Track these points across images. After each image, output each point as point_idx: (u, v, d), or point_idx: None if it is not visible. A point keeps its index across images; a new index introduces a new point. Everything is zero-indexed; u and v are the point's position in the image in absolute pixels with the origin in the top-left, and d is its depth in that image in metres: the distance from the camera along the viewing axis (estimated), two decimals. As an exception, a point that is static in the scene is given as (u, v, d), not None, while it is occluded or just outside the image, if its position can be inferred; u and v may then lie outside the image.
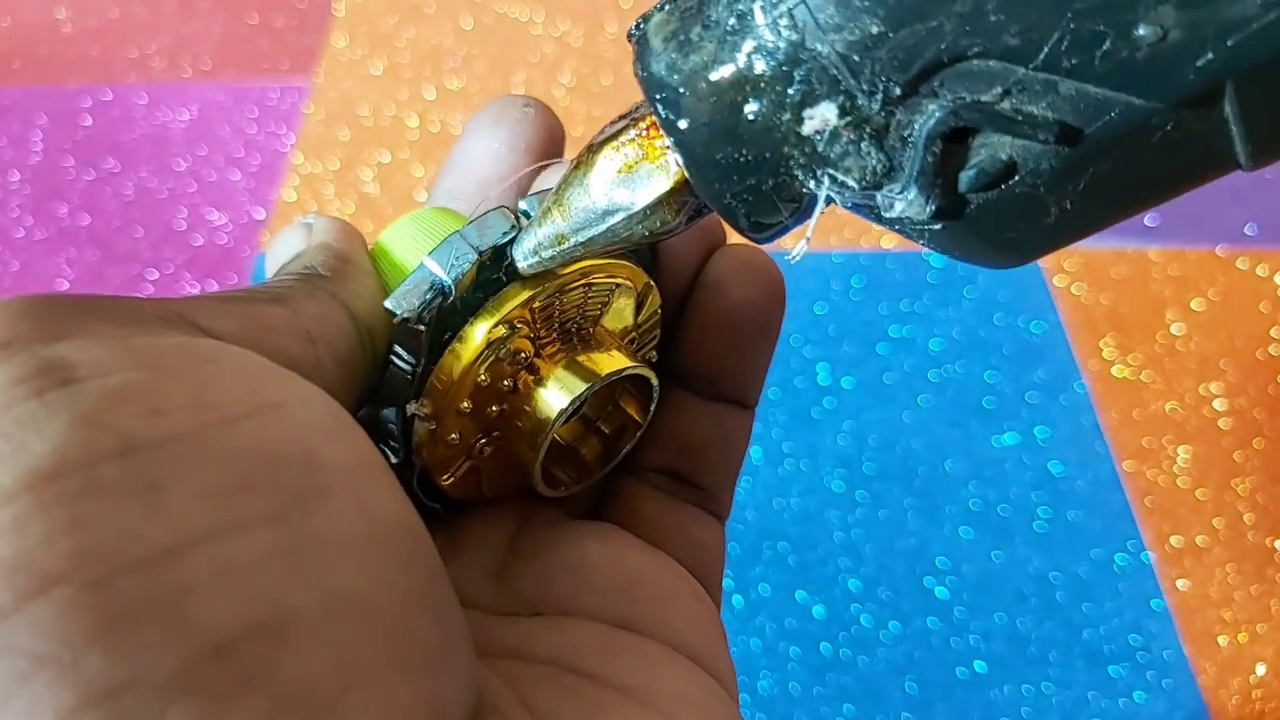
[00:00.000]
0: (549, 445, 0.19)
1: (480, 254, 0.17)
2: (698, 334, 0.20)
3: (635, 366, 0.19)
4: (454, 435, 0.19)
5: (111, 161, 0.81)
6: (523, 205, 0.18)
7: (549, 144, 0.21)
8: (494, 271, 0.18)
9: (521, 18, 0.93)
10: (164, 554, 0.10)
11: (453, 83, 0.87)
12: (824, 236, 0.75)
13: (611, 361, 0.19)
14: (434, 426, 0.18)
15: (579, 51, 0.89)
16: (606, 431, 0.21)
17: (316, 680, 0.11)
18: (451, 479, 0.19)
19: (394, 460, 0.19)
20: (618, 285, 0.19)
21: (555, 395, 0.18)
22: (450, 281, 0.17)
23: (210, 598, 0.10)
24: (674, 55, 0.14)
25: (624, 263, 0.19)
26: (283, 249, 0.19)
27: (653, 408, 0.21)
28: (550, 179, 0.21)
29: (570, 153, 0.21)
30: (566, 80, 0.87)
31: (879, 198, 0.14)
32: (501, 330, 0.18)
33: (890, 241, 0.74)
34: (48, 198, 0.78)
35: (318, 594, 0.11)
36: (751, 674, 0.54)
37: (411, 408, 0.18)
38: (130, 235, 0.75)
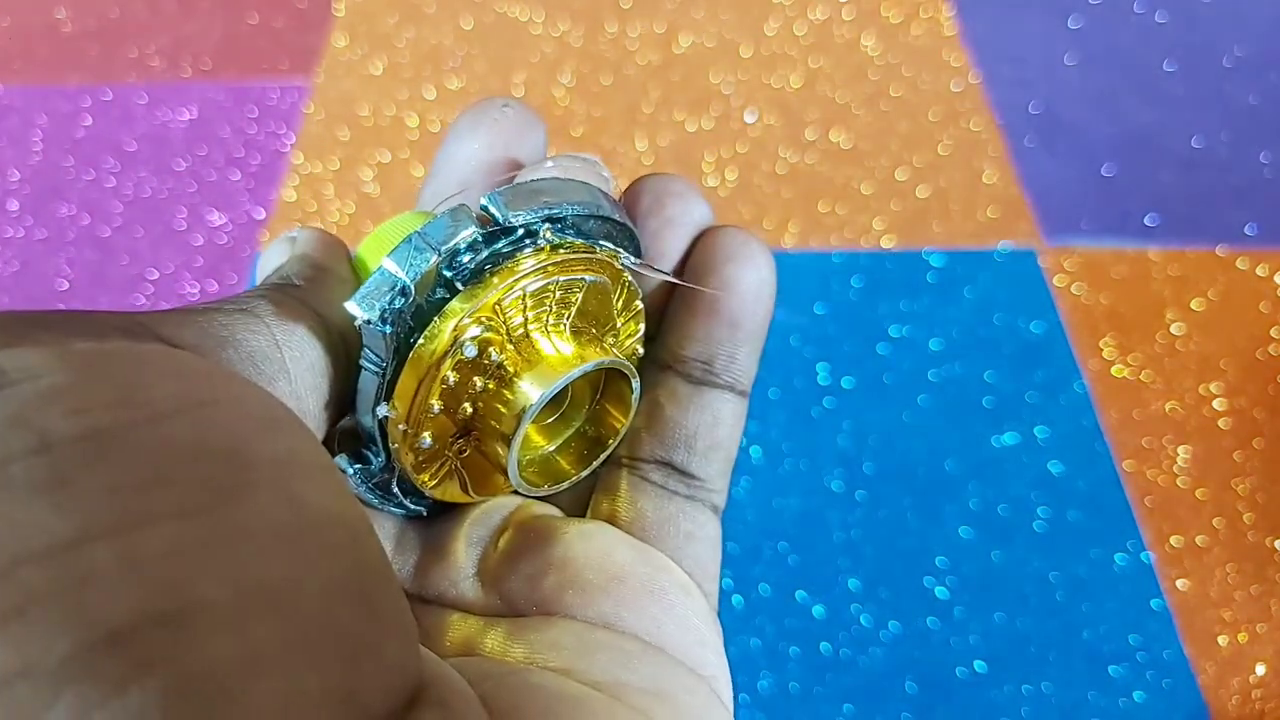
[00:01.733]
0: (533, 448, 0.19)
1: (439, 253, 0.17)
2: (687, 316, 0.20)
3: (610, 361, 0.19)
4: (426, 436, 0.18)
5: (111, 161, 0.81)
6: (483, 201, 0.18)
7: (527, 142, 0.21)
8: (455, 270, 0.18)
9: (521, 18, 0.93)
10: (65, 546, 0.11)
11: (453, 83, 0.87)
12: (824, 236, 0.75)
13: (585, 356, 0.19)
14: (405, 428, 0.18)
15: (579, 51, 0.89)
16: (589, 432, 0.21)
17: (217, 668, 0.11)
18: (434, 481, 0.19)
19: (376, 464, 0.19)
20: (593, 279, 0.19)
21: (527, 390, 0.18)
22: (409, 281, 0.17)
23: (110, 588, 0.11)
24: None
25: (599, 255, 0.19)
26: (267, 263, 0.19)
27: (634, 402, 0.20)
28: (528, 176, 0.20)
29: (555, 149, 0.21)
30: (566, 80, 0.87)
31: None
32: (469, 327, 0.17)
33: (890, 241, 0.74)
34: (48, 198, 0.78)
35: (228, 585, 0.11)
36: (751, 674, 0.54)
37: (382, 410, 0.18)
38: (130, 235, 0.75)
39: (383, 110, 0.84)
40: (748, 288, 0.20)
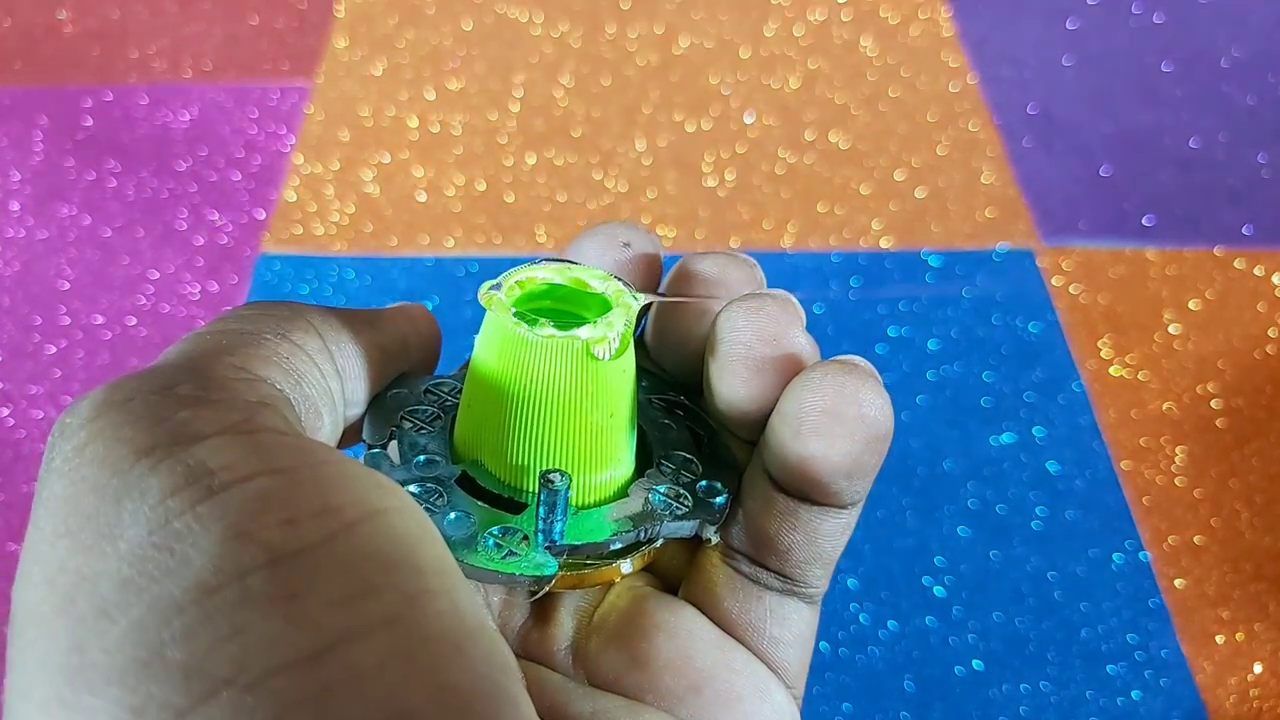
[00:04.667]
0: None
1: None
2: (790, 438, 0.19)
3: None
4: None
5: (112, 162, 0.81)
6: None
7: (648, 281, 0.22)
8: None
9: (521, 18, 0.93)
10: (306, 658, 0.12)
11: (453, 84, 0.87)
12: (823, 237, 0.75)
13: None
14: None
15: (578, 52, 0.89)
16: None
17: None
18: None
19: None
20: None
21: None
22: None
23: (346, 699, 0.12)
24: None
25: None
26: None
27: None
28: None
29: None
30: (566, 81, 0.87)
31: None
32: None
33: (889, 242, 0.75)
34: (49, 198, 0.78)
35: (429, 692, 0.13)
36: (750, 672, 0.55)
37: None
38: (131, 235, 0.76)
39: (383, 111, 0.85)
40: (854, 447, 0.18)
